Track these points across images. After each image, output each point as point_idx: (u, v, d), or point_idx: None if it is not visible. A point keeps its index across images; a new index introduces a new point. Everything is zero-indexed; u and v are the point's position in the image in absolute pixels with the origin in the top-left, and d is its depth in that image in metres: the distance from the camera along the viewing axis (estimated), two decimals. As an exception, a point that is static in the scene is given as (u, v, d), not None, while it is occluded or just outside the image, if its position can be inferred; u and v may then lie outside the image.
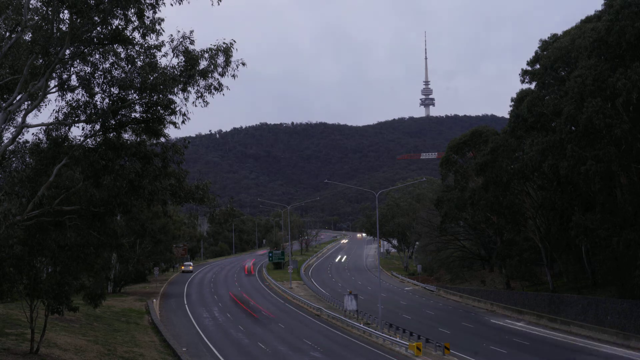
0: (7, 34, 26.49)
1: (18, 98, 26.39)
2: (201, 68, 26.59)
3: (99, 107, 26.97)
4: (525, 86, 67.73)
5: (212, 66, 26.60)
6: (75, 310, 32.91)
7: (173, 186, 29.12)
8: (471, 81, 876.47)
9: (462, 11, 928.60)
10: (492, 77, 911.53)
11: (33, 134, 28.32)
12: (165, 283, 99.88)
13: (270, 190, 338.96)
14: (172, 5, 25.74)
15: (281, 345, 48.47)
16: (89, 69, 26.50)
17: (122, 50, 26.58)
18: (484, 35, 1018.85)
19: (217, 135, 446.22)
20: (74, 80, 26.94)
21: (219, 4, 26.17)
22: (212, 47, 26.47)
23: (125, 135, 28.68)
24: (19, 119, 28.14)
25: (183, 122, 27.76)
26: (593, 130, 49.76)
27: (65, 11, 24.88)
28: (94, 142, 28.13)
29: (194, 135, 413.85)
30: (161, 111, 27.56)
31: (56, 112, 27.25)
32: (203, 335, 52.77)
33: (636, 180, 51.85)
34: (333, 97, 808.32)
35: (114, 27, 25.31)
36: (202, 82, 26.82)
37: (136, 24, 25.56)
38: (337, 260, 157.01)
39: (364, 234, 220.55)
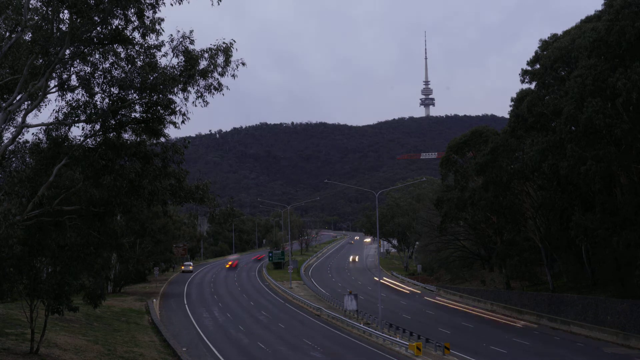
0: (7, 34, 26.49)
1: (18, 98, 26.38)
2: (201, 68, 26.57)
3: (99, 107, 26.93)
4: (526, 86, 67.78)
5: (212, 66, 26.58)
6: (75, 310, 32.89)
7: (173, 186, 29.09)
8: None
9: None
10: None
11: (33, 134, 28.30)
12: (165, 283, 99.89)
13: (270, 190, 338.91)
14: (172, 5, 25.74)
15: (281, 345, 48.47)
16: (89, 69, 26.47)
17: (122, 50, 26.55)
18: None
19: (217, 135, 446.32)
20: (74, 80, 26.92)
21: (219, 4, 26.17)
22: (212, 47, 26.46)
23: (125, 135, 28.64)
24: (19, 119, 28.14)
25: (183, 122, 27.75)
26: (593, 130, 49.72)
27: (65, 11, 24.86)
28: (94, 142, 28.09)
29: (194, 135, 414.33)
30: (161, 111, 27.53)
31: (56, 112, 27.23)
32: (203, 335, 52.78)
33: (636, 180, 51.83)
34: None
35: (114, 27, 25.28)
36: (202, 82, 26.81)
37: (136, 24, 25.53)
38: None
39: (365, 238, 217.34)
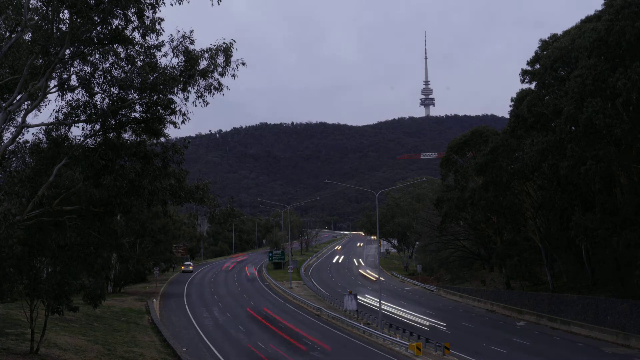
0: (7, 34, 26.50)
1: (18, 98, 26.39)
2: (201, 68, 26.57)
3: (99, 107, 26.94)
4: (525, 86, 67.80)
5: (212, 66, 26.58)
6: (75, 310, 32.90)
7: (173, 186, 29.10)
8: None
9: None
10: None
11: (33, 134, 28.31)
12: (165, 283, 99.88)
13: (270, 190, 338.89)
14: (172, 5, 25.76)
15: (281, 346, 48.47)
16: (89, 68, 26.48)
17: (122, 50, 26.56)
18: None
19: (217, 135, 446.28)
20: (74, 80, 26.94)
21: (219, 3, 26.19)
22: (212, 47, 26.47)
23: (125, 135, 28.65)
24: (19, 119, 28.15)
25: (183, 122, 27.77)
26: (593, 130, 49.74)
27: (65, 11, 24.87)
28: (94, 142, 28.10)
29: (194, 135, 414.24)
30: (161, 111, 27.54)
31: (56, 112, 27.24)
32: (203, 335, 52.77)
33: (636, 180, 51.84)
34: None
35: (114, 27, 25.29)
36: (202, 82, 26.81)
37: (136, 23, 25.54)
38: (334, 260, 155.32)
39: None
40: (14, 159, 29.02)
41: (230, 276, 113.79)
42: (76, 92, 27.05)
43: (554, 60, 60.03)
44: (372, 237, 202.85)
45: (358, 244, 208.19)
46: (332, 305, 73.34)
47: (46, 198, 27.35)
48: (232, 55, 26.52)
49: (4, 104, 26.00)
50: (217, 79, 26.85)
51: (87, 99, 26.98)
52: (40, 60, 25.88)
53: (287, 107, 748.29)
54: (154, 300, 73.67)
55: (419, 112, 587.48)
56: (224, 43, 26.43)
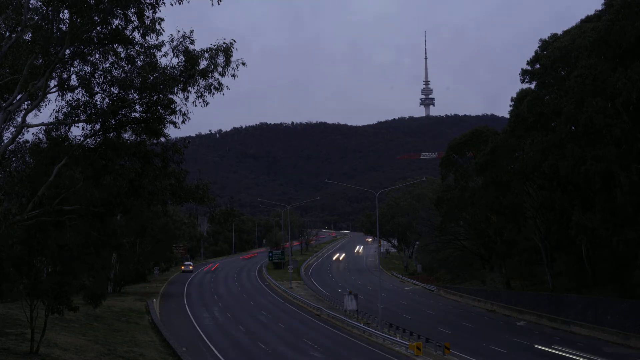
0: (7, 34, 26.48)
1: (18, 98, 26.36)
2: (201, 68, 26.52)
3: (99, 107, 26.90)
4: (525, 86, 67.84)
5: (212, 66, 26.52)
6: (75, 310, 32.87)
7: (173, 186, 29.05)
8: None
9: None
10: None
11: (33, 133, 28.27)
12: (165, 283, 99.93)
13: (270, 190, 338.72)
14: (172, 5, 25.70)
15: (281, 345, 48.49)
16: (89, 68, 26.43)
17: (122, 50, 26.52)
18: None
19: (217, 135, 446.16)
20: (74, 80, 26.88)
21: (219, 3, 26.18)
22: (212, 47, 26.41)
23: (125, 135, 28.61)
24: (19, 119, 28.10)
25: (183, 122, 27.71)
26: (593, 130, 49.76)
27: (65, 11, 24.85)
28: (94, 142, 28.07)
29: (194, 135, 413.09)
30: (161, 111, 27.50)
31: (56, 112, 27.19)
32: (203, 335, 52.79)
33: (636, 180, 51.81)
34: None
35: (114, 27, 25.26)
36: (202, 82, 26.76)
37: (136, 23, 25.51)
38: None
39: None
40: (14, 159, 28.97)
41: (230, 276, 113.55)
42: (76, 92, 27.01)
43: (554, 60, 60.10)
44: (370, 239, 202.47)
45: (357, 246, 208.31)
46: (332, 305, 73.35)
47: (46, 198, 27.31)
48: (232, 55, 26.46)
49: (4, 104, 25.98)
50: (218, 79, 26.81)
51: (87, 99, 26.93)
52: (40, 60, 25.85)
53: (288, 107, 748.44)
54: (154, 300, 73.68)
55: (419, 112, 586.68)
56: (224, 43, 26.40)
